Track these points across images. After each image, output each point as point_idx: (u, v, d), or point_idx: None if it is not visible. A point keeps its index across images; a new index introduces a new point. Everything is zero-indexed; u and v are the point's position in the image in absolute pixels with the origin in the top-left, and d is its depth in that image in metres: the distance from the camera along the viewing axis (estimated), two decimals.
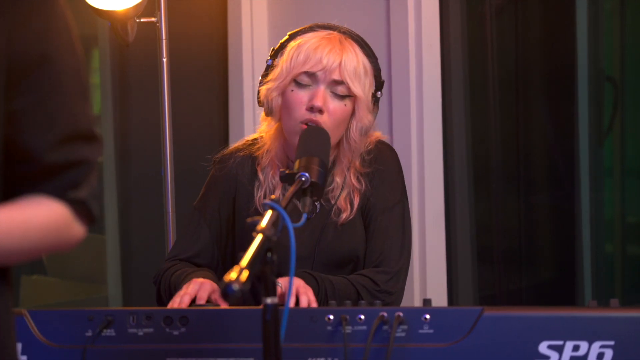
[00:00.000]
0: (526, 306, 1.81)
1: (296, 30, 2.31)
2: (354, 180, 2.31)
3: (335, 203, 2.30)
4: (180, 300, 2.09)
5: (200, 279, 2.15)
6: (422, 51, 3.20)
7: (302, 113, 2.23)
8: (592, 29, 3.55)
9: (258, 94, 2.32)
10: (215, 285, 2.14)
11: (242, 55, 3.57)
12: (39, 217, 1.35)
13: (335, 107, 2.23)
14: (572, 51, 3.53)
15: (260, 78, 2.33)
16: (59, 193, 1.37)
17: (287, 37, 2.31)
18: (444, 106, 3.28)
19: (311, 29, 2.30)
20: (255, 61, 3.58)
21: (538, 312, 1.76)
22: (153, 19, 3.05)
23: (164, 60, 3.07)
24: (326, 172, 1.94)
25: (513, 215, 3.54)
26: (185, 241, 2.36)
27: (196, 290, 2.11)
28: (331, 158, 2.30)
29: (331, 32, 2.28)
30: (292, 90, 2.25)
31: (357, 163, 2.33)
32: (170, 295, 2.17)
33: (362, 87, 2.24)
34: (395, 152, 2.40)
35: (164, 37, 3.06)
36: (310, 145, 2.03)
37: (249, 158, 2.36)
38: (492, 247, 3.45)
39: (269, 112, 2.29)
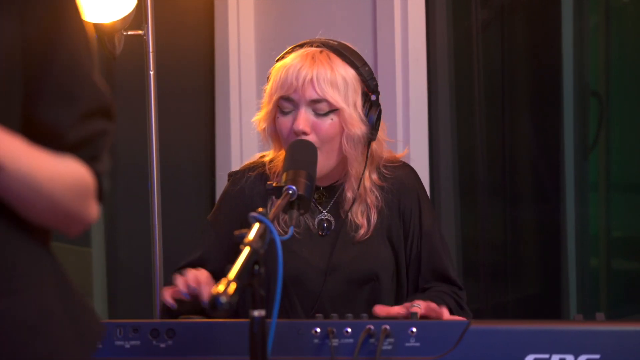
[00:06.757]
0: (512, 320, 1.81)
1: (280, 55, 2.28)
2: (369, 195, 2.29)
3: (348, 217, 2.28)
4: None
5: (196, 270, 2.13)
6: (409, 65, 3.20)
7: (289, 138, 2.20)
8: (577, 44, 3.57)
9: None
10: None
11: (229, 68, 3.57)
12: (67, 167, 1.34)
13: (320, 124, 2.19)
14: (558, 66, 3.55)
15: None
16: (86, 162, 1.37)
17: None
18: (430, 120, 3.29)
19: (292, 50, 2.26)
20: (242, 74, 3.58)
21: (524, 326, 1.77)
22: (140, 32, 3.05)
23: (151, 73, 3.06)
24: (313, 185, 1.93)
25: (499, 229, 3.55)
26: (196, 253, 2.32)
27: (194, 272, 2.08)
28: (342, 174, 2.29)
29: (307, 48, 2.24)
30: (278, 117, 2.23)
31: (372, 176, 2.31)
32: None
33: (342, 98, 2.19)
34: (416, 173, 2.40)
35: (151, 50, 3.06)
36: (298, 158, 2.03)
37: (262, 177, 2.34)
38: (477, 261, 3.46)
39: (268, 140, 2.30)
